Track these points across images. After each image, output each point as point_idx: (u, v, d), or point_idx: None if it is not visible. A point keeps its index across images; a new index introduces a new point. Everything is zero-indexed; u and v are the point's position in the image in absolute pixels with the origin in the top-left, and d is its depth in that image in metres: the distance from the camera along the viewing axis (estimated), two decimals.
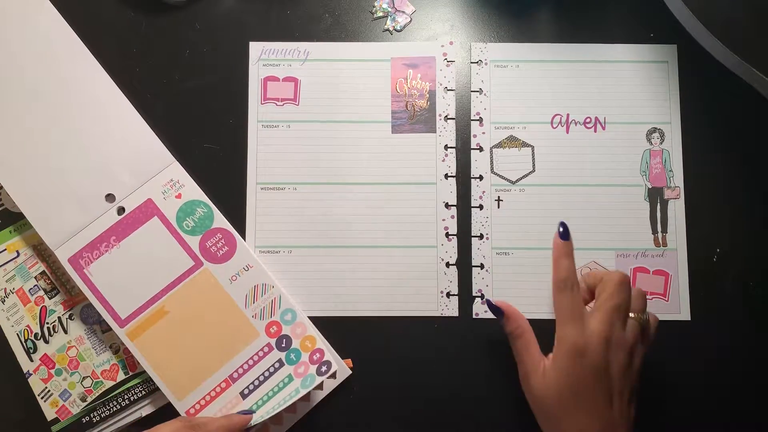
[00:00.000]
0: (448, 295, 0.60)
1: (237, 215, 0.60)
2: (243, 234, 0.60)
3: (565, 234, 0.53)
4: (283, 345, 0.58)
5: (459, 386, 0.59)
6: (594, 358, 0.48)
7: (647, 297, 0.60)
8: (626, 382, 0.50)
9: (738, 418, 0.59)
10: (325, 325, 0.59)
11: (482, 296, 0.60)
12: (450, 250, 0.60)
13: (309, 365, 0.57)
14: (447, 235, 0.61)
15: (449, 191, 0.61)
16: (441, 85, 0.62)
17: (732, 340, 0.60)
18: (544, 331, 0.59)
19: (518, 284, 0.60)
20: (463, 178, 0.62)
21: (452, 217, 0.61)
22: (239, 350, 0.57)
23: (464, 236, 0.61)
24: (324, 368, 0.57)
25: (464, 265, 0.60)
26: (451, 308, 0.60)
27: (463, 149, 0.62)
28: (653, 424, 0.59)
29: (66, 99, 0.59)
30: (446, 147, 0.62)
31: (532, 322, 0.59)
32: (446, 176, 0.61)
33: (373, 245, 0.61)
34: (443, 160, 0.61)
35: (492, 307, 0.55)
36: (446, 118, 0.62)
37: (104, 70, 0.60)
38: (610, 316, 0.50)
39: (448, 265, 0.60)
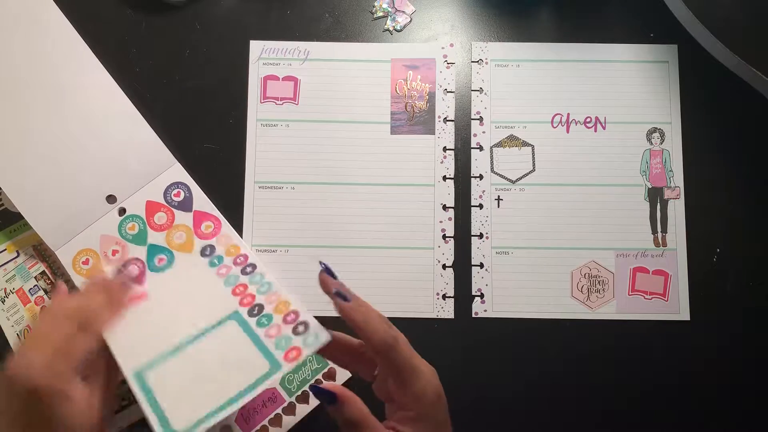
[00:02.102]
0: (444, 297, 0.60)
1: (235, 214, 0.60)
2: (240, 232, 0.60)
3: (344, 294, 0.47)
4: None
5: (453, 387, 0.59)
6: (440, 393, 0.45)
7: (647, 297, 0.60)
8: None
9: (738, 418, 0.59)
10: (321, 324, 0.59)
11: (482, 295, 0.60)
12: (447, 252, 0.60)
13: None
14: (444, 237, 0.61)
15: (447, 193, 0.61)
16: (441, 87, 0.62)
17: (732, 340, 0.60)
18: (545, 332, 0.60)
19: (518, 284, 0.60)
20: (463, 177, 0.62)
21: (449, 219, 0.61)
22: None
23: (464, 236, 0.61)
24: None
25: (462, 265, 0.60)
26: (446, 310, 0.60)
27: (463, 148, 0.62)
28: (653, 424, 0.59)
29: (67, 99, 0.59)
30: (445, 149, 0.62)
31: (533, 322, 0.60)
32: (444, 178, 0.61)
33: (370, 246, 0.61)
34: (441, 162, 0.61)
35: (320, 392, 0.43)
36: (445, 120, 0.62)
37: (105, 70, 0.60)
38: (407, 353, 0.44)
39: (444, 267, 0.60)
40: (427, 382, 0.43)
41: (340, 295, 0.46)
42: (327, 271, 0.49)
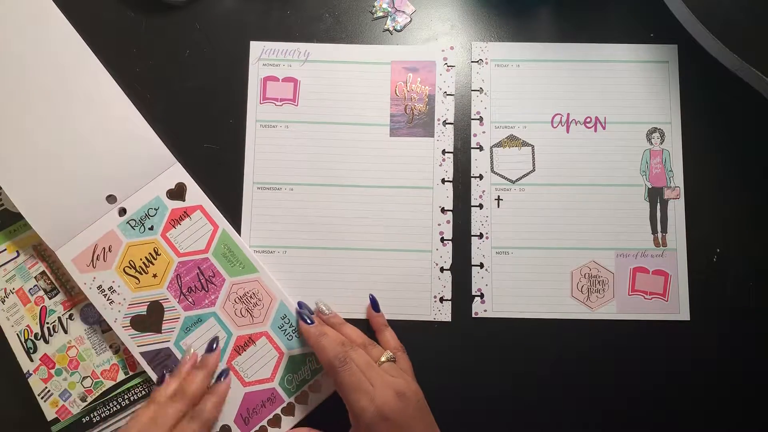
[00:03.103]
0: (441, 300, 0.60)
1: (234, 214, 0.60)
2: (239, 233, 0.60)
3: (306, 317, 0.56)
4: None
5: (452, 387, 0.59)
6: (395, 412, 0.49)
7: (647, 297, 0.60)
8: (424, 405, 0.52)
9: (738, 418, 0.59)
10: None
11: (482, 295, 0.60)
12: (444, 255, 0.60)
13: None
14: (442, 239, 0.61)
15: (445, 196, 0.61)
16: (440, 89, 0.62)
17: (732, 340, 0.60)
18: (545, 332, 0.60)
19: (518, 284, 0.60)
20: (463, 177, 0.62)
21: (447, 222, 0.61)
22: None
23: (464, 236, 0.61)
24: None
25: (462, 265, 0.60)
26: (443, 313, 0.60)
27: (463, 148, 0.62)
28: (653, 424, 0.59)
29: (67, 99, 0.59)
30: (444, 152, 0.62)
31: (532, 322, 0.60)
32: (443, 181, 0.61)
33: (368, 248, 0.61)
34: (440, 165, 0.61)
35: None
36: (444, 122, 0.62)
37: (106, 70, 0.60)
38: (379, 374, 0.51)
39: (442, 270, 0.60)
40: (369, 403, 0.48)
41: (302, 317, 0.55)
42: (373, 304, 0.58)
